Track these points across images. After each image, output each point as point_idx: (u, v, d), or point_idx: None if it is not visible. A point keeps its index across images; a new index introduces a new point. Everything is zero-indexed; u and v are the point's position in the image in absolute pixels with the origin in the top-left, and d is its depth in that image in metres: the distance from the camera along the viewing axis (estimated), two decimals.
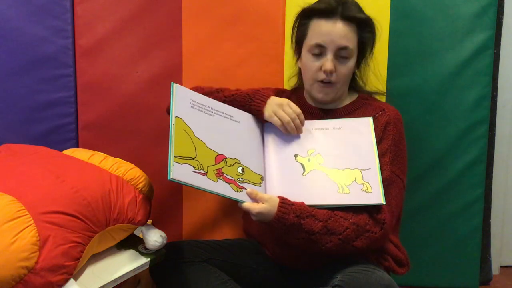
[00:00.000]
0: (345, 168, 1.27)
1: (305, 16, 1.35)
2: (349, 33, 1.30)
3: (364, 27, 1.33)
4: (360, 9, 1.34)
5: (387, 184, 1.26)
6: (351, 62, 1.32)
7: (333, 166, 1.27)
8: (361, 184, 1.23)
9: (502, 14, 1.63)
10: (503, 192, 1.90)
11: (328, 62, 1.29)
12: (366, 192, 1.22)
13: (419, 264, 1.64)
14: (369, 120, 1.32)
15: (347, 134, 1.32)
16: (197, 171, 1.17)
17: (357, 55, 1.35)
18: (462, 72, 1.61)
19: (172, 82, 1.25)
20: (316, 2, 1.35)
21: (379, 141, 1.31)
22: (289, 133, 1.31)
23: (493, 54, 1.61)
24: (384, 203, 1.21)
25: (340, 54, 1.30)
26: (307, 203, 1.21)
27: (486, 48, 1.60)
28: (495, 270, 1.90)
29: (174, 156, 1.14)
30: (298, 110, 1.30)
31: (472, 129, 1.63)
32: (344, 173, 1.26)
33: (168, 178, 1.11)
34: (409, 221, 1.61)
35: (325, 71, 1.29)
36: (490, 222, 1.76)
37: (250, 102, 1.34)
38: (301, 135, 1.32)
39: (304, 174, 1.27)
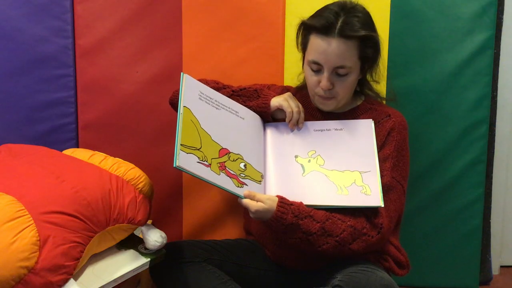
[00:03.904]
0: (345, 170, 1.27)
1: (305, 29, 1.32)
2: (346, 52, 1.24)
3: (365, 43, 1.26)
4: (363, 22, 1.25)
5: (387, 190, 1.26)
6: (351, 77, 1.29)
7: (333, 167, 1.27)
8: (361, 186, 1.23)
9: (502, 14, 1.63)
10: (503, 192, 1.90)
11: (324, 80, 1.27)
12: (365, 194, 1.22)
13: (419, 264, 1.64)
14: (371, 122, 1.32)
15: (348, 136, 1.31)
16: (201, 162, 1.17)
17: (363, 65, 1.31)
18: (462, 72, 1.61)
19: (182, 72, 1.26)
20: (316, 14, 1.29)
21: (382, 146, 1.30)
22: (288, 130, 1.32)
23: (493, 54, 1.61)
24: (383, 206, 1.21)
25: (337, 72, 1.27)
26: (305, 203, 1.21)
27: (486, 48, 1.60)
28: (495, 270, 1.90)
29: (180, 144, 1.15)
30: (301, 106, 1.33)
31: (472, 129, 1.63)
32: (344, 175, 1.26)
33: (174, 166, 1.11)
34: (409, 221, 1.61)
35: (322, 89, 1.29)
36: (490, 222, 1.75)
37: (257, 97, 1.36)
38: (302, 136, 1.32)
39: (303, 175, 1.27)
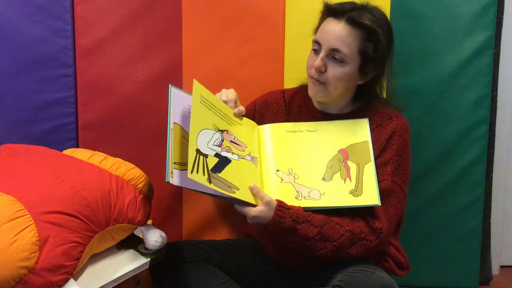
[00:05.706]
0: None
1: (324, 13, 1.33)
2: (348, 37, 1.25)
3: (368, 37, 1.26)
4: (374, 19, 1.27)
5: (387, 194, 1.26)
6: (346, 68, 1.28)
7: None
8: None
9: (502, 14, 1.63)
10: (503, 192, 1.90)
11: (318, 59, 1.28)
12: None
13: (419, 264, 1.64)
14: (366, 121, 1.31)
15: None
16: None
17: (363, 63, 1.29)
18: (462, 72, 1.61)
19: (170, 85, 1.26)
20: (340, 2, 1.32)
21: (383, 150, 1.30)
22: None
23: (493, 54, 1.61)
24: (380, 205, 1.20)
25: (333, 55, 1.27)
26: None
27: (486, 48, 1.60)
28: (495, 270, 1.90)
29: (174, 163, 1.14)
30: (230, 94, 1.36)
31: (472, 129, 1.63)
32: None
33: (166, 181, 1.11)
34: (409, 221, 1.60)
35: (314, 67, 1.29)
36: (490, 222, 1.75)
37: None
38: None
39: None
